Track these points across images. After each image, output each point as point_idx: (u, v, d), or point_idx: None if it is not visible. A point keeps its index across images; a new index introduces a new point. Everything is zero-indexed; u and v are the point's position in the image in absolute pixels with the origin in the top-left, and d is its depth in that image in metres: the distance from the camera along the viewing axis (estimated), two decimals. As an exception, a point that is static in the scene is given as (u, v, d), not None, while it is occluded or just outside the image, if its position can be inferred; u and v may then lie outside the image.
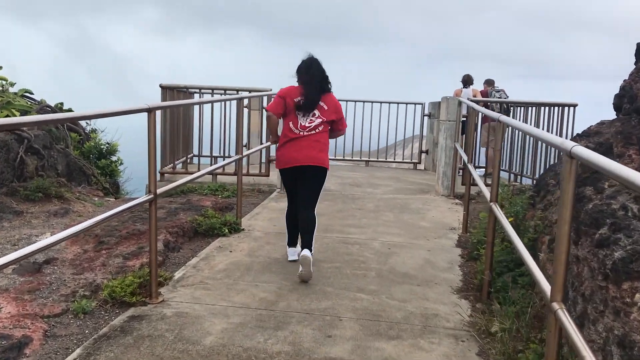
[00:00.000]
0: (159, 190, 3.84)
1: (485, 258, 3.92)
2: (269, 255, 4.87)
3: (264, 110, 8.07)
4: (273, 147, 8.36)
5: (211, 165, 10.56)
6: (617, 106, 4.11)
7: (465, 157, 6.29)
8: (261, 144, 8.03)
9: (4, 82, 7.99)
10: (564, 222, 2.05)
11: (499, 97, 10.25)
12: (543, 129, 7.78)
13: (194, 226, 5.42)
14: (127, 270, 4.23)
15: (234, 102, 7.75)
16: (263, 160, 8.07)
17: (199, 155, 10.00)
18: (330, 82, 4.66)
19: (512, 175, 8.46)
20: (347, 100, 11.40)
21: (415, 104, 11.59)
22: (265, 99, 7.92)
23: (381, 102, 11.52)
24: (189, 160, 9.49)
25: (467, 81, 10.64)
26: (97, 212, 6.21)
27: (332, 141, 5.04)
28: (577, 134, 4.37)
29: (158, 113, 3.94)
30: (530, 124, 7.97)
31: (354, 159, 11.77)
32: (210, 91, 8.06)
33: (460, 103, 7.66)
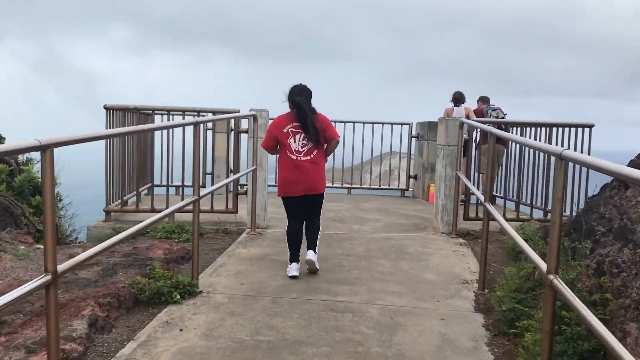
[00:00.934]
0: (63, 266, 2.57)
1: (542, 355, 2.71)
2: (233, 335, 3.60)
3: (232, 133, 6.84)
4: (243, 179, 7.14)
5: (177, 193, 9.27)
6: None
7: (480, 196, 5.13)
8: (229, 172, 6.77)
9: None
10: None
11: (495, 116, 9.20)
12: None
13: (134, 293, 4.12)
14: (26, 375, 2.93)
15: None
16: (232, 188, 6.81)
17: (158, 185, 8.80)
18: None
19: (517, 206, 7.35)
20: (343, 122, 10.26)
21: (401, 124, 10.49)
22: (232, 121, 6.70)
23: (364, 123, 10.41)
24: (146, 191, 8.21)
25: (458, 99, 9.56)
26: (14, 269, 4.87)
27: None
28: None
29: (65, 149, 2.70)
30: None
31: (334, 185, 10.56)
32: (165, 112, 6.81)
33: (462, 125, 6.54)
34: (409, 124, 10.47)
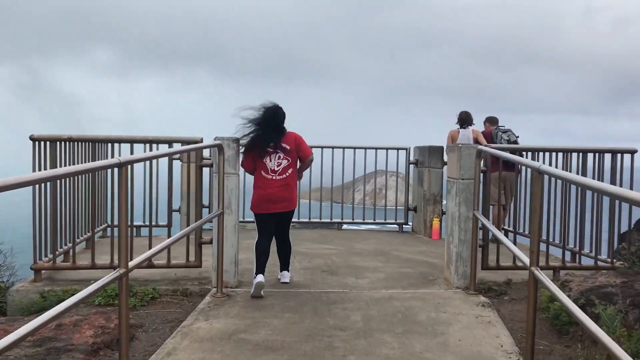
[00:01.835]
0: None
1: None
2: None
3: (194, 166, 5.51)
4: (207, 225, 5.79)
5: (137, 234, 7.95)
6: None
7: (524, 258, 3.83)
8: (197, 216, 5.42)
9: None
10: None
11: (507, 139, 7.99)
12: (596, 178, 5.51)
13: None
14: None
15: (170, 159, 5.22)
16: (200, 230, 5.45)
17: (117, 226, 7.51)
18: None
19: (571, 255, 6.07)
20: (314, 147, 8.99)
21: (397, 149, 9.24)
22: (194, 153, 5.39)
23: (354, 148, 9.16)
24: (101, 233, 6.88)
25: (465, 120, 8.34)
26: None
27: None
28: None
29: None
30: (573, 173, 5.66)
31: (322, 220, 9.24)
32: (108, 142, 5.48)
33: (479, 154, 5.27)
34: (405, 149, 9.22)
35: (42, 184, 5.06)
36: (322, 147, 8.98)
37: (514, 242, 5.90)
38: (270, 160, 5.10)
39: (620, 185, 5.71)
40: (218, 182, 4.95)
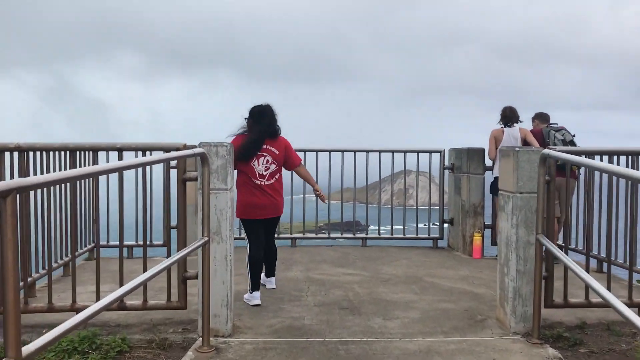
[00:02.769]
0: None
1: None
2: None
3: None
4: (191, 259, 4.64)
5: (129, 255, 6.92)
6: None
7: (582, 273, 2.59)
8: (180, 244, 4.29)
9: None
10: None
11: (562, 139, 6.71)
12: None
13: None
14: None
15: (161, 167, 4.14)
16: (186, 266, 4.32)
17: (106, 246, 6.55)
18: (279, 127, 5.02)
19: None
20: (331, 151, 7.84)
21: (430, 151, 8.01)
22: (189, 161, 4.28)
23: (380, 151, 7.97)
24: (87, 255, 5.86)
25: (510, 117, 7.06)
26: None
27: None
28: None
29: None
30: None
31: (344, 236, 8.05)
32: (65, 151, 4.38)
33: (544, 161, 4.02)
34: (439, 152, 7.98)
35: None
36: (342, 151, 7.83)
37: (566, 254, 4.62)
38: (259, 165, 4.88)
39: None
40: (202, 200, 3.81)
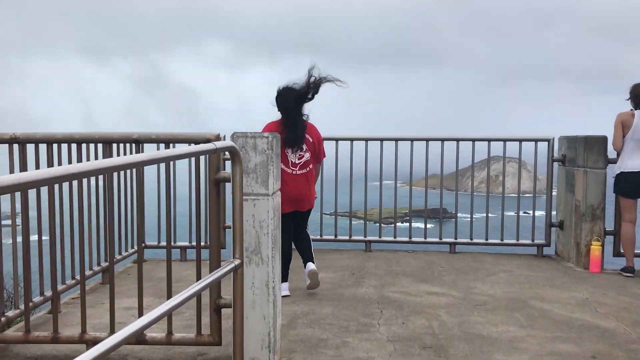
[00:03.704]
0: None
1: None
2: None
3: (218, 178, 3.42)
4: (225, 280, 3.70)
5: (182, 258, 6.24)
6: None
7: None
8: (212, 262, 3.37)
9: None
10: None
11: None
12: None
13: None
14: None
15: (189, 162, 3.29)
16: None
17: (152, 246, 5.94)
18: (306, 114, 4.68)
19: None
20: (426, 139, 6.69)
21: (535, 140, 6.64)
22: (203, 158, 3.37)
23: (473, 140, 6.72)
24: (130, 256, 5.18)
25: (643, 97, 5.60)
26: None
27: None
28: None
29: None
30: None
31: (428, 240, 6.85)
32: (62, 143, 3.54)
33: None
34: (547, 140, 6.59)
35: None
36: (427, 140, 6.66)
37: None
38: (292, 152, 4.57)
39: None
40: (233, 210, 2.85)
